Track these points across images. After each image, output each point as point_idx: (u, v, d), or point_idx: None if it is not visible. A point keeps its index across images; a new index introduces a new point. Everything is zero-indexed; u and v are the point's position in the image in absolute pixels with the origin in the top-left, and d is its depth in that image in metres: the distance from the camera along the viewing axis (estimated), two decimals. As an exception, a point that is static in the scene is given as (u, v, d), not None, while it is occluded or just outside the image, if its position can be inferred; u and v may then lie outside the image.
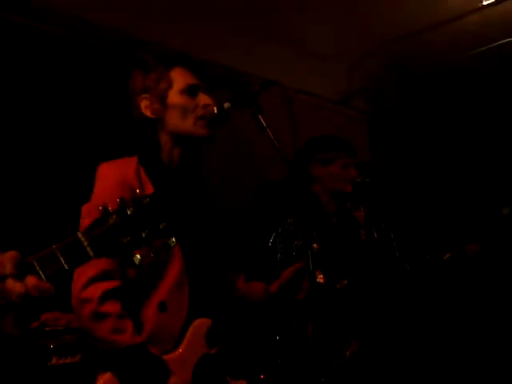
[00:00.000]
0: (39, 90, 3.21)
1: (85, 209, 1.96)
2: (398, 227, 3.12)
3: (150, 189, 2.01)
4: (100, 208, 1.34)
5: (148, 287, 1.96)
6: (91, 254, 1.32)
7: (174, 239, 1.39)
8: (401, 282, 2.78)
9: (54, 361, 2.55)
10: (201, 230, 2.13)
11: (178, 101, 2.10)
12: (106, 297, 1.86)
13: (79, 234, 1.32)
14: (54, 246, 1.32)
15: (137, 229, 1.34)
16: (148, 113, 2.12)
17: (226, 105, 2.01)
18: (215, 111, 2.04)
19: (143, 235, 1.35)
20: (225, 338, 2.08)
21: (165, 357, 1.92)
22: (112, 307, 1.86)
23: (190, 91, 2.11)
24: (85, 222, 1.92)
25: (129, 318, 1.89)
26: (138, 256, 1.37)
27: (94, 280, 1.87)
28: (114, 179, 2.00)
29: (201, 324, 2.03)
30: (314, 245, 2.80)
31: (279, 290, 2.27)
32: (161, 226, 1.37)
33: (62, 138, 3.26)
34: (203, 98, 2.11)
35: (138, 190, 1.45)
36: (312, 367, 2.44)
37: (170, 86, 2.12)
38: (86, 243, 1.32)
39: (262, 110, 1.87)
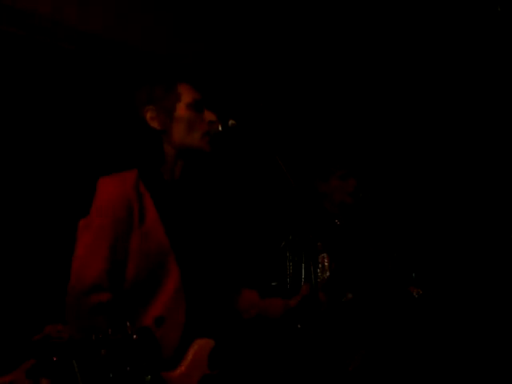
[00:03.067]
0: (39, 98, 3.21)
1: (82, 223, 1.98)
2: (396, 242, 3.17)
3: (149, 203, 2.03)
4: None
5: (144, 302, 1.97)
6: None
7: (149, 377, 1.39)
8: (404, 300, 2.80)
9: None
10: (200, 244, 2.14)
11: (185, 114, 2.13)
12: (94, 312, 1.87)
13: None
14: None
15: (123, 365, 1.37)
16: (154, 124, 2.13)
17: (231, 122, 2.03)
18: (220, 128, 2.08)
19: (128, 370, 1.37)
20: (227, 360, 2.07)
21: (166, 374, 1.89)
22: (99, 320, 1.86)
23: (197, 106, 2.14)
24: (82, 238, 1.96)
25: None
26: None
27: (87, 293, 1.89)
28: (112, 195, 2.01)
29: (204, 344, 2.01)
30: (326, 259, 2.84)
31: (298, 305, 2.28)
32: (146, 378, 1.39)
33: (60, 149, 3.26)
34: (209, 115, 2.15)
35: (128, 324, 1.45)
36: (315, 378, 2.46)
37: (177, 99, 2.14)
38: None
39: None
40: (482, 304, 3.75)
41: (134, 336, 1.41)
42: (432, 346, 3.69)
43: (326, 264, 2.85)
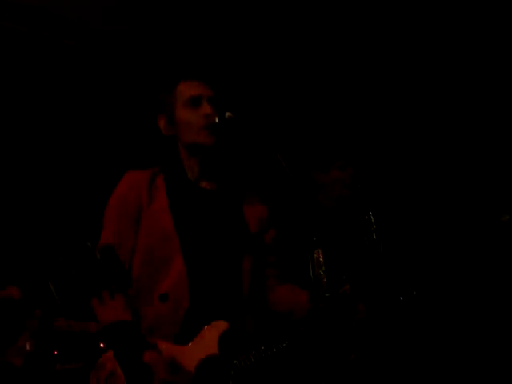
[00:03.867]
0: (60, 97, 3.30)
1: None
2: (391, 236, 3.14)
3: (162, 192, 2.14)
4: None
5: (149, 282, 2.06)
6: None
7: None
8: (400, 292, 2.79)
9: (58, 365, 2.59)
10: (206, 234, 2.18)
11: (182, 115, 2.19)
12: None
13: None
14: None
15: None
16: (166, 132, 2.25)
17: (228, 114, 2.03)
18: (216, 120, 2.08)
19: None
20: (237, 344, 2.10)
21: (174, 346, 1.96)
22: None
23: (193, 103, 2.18)
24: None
25: (121, 295, 1.96)
26: None
27: None
28: (125, 186, 2.16)
29: (217, 325, 2.06)
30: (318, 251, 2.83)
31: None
32: None
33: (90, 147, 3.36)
34: (204, 108, 2.17)
35: None
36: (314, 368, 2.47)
37: (174, 102, 2.21)
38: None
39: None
40: (479, 301, 3.77)
41: (98, 255, 1.59)
42: (428, 338, 3.72)
43: (320, 259, 2.84)
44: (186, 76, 2.23)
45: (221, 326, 2.08)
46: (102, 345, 2.13)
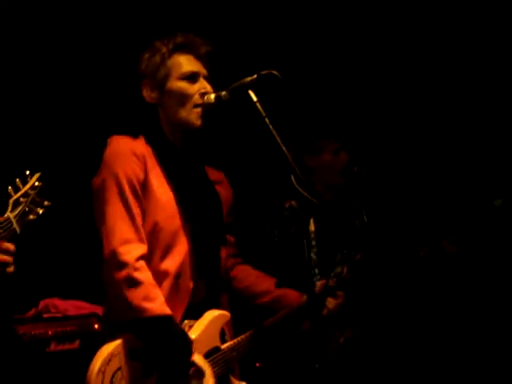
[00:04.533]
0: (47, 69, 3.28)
1: (96, 181, 1.99)
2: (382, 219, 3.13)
3: (157, 172, 2.03)
4: None
5: (156, 261, 1.97)
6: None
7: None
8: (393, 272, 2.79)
9: (52, 347, 2.58)
10: (207, 210, 2.16)
11: (176, 87, 2.10)
12: (140, 262, 1.86)
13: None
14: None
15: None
16: (148, 98, 2.13)
17: (224, 93, 2.01)
18: (213, 99, 2.05)
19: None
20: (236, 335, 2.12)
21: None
22: (145, 274, 1.86)
23: (190, 78, 2.10)
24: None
25: (158, 287, 1.89)
26: None
27: (129, 241, 1.88)
28: (127, 148, 2.01)
29: (220, 317, 2.07)
30: (310, 231, 2.83)
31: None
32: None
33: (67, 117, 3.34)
34: (202, 85, 2.10)
35: None
36: (306, 354, 2.47)
37: (170, 71, 2.11)
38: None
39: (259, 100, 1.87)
40: (475, 289, 3.80)
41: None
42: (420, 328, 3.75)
43: (313, 243, 2.84)
44: (186, 49, 2.14)
45: (223, 317, 2.08)
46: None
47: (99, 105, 3.41)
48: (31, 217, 1.71)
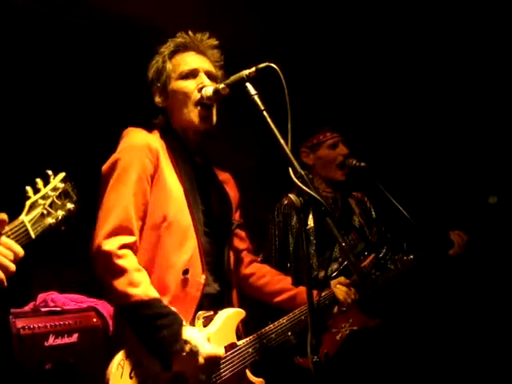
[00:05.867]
0: (64, 71, 3.30)
1: (103, 171, 2.00)
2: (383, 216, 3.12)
3: (169, 166, 2.06)
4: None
5: (166, 255, 1.99)
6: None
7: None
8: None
9: (50, 341, 2.58)
10: (216, 206, 2.18)
11: (176, 87, 2.13)
12: (123, 250, 1.88)
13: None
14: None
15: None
16: (157, 103, 2.18)
17: (222, 86, 2.00)
18: (211, 92, 2.04)
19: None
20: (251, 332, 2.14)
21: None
22: (129, 261, 1.88)
23: (189, 75, 2.12)
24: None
25: (146, 273, 1.90)
26: None
27: (112, 233, 1.89)
28: (142, 141, 2.03)
29: (236, 314, 2.11)
30: (309, 227, 2.82)
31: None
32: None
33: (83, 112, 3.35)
34: (199, 80, 2.11)
35: None
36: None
37: (170, 73, 2.14)
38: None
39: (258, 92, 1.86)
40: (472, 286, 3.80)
41: None
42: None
43: (311, 238, 2.83)
44: (186, 47, 2.16)
45: (239, 315, 2.12)
46: None
47: (117, 102, 3.44)
48: (50, 221, 1.52)
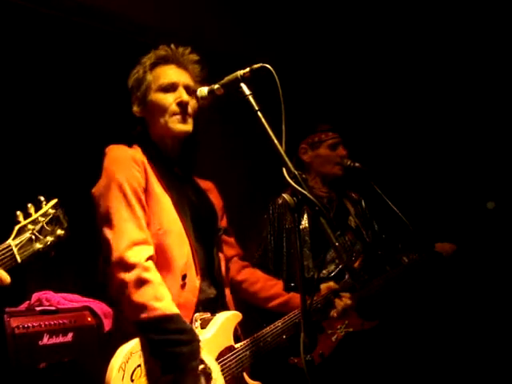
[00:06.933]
0: (44, 78, 3.27)
1: (95, 193, 2.01)
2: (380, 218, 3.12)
3: (155, 179, 2.07)
4: None
5: (164, 264, 2.01)
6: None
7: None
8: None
9: (45, 340, 2.58)
10: (202, 214, 2.21)
11: (154, 99, 2.15)
12: (149, 263, 1.89)
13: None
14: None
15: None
16: (135, 113, 2.19)
17: (217, 87, 2.00)
18: (206, 93, 2.02)
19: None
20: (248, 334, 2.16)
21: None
22: (154, 274, 1.89)
23: (167, 89, 2.14)
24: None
25: (166, 287, 1.91)
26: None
27: (134, 244, 1.90)
28: (127, 155, 2.05)
29: (233, 317, 2.13)
30: (303, 227, 2.82)
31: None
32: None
33: (61, 128, 3.32)
34: (178, 94, 2.14)
35: None
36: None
37: (150, 84, 2.15)
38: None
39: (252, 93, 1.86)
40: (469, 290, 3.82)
41: None
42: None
43: (307, 238, 2.84)
44: (167, 60, 2.18)
45: (235, 317, 2.14)
46: None
47: (92, 117, 3.42)
48: (37, 246, 1.53)
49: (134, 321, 1.88)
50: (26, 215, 1.55)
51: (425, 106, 4.18)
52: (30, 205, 1.56)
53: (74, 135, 3.33)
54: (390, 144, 4.21)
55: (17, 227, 1.52)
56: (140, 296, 1.84)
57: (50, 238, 1.57)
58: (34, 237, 1.53)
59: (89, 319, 2.73)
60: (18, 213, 1.54)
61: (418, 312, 3.85)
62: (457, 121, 4.03)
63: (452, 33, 3.92)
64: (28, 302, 2.73)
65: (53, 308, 2.70)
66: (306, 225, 2.84)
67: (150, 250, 1.94)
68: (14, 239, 1.50)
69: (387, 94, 4.27)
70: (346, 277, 2.54)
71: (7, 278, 1.47)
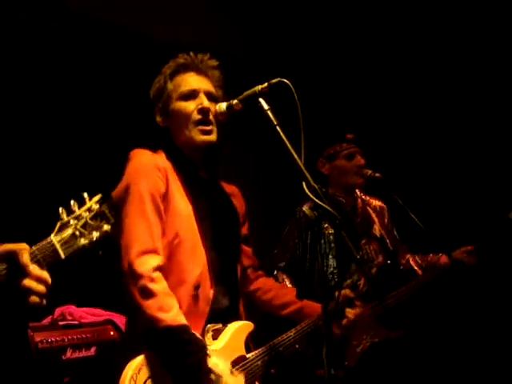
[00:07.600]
0: (69, 87, 3.39)
1: (114, 196, 2.00)
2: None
3: (177, 185, 2.07)
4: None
5: (178, 272, 2.01)
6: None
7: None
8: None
9: (68, 354, 2.59)
10: (223, 222, 2.19)
11: (176, 108, 2.14)
12: (156, 273, 1.89)
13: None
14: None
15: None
16: (158, 122, 2.20)
17: (235, 102, 2.01)
18: (224, 108, 2.03)
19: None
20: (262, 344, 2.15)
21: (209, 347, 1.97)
22: (160, 285, 1.89)
23: (188, 96, 2.13)
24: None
25: (174, 297, 1.91)
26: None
27: (143, 252, 1.91)
28: (150, 161, 2.05)
29: (244, 327, 2.13)
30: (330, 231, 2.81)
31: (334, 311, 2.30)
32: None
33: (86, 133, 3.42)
34: (199, 101, 2.12)
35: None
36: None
37: (171, 93, 2.15)
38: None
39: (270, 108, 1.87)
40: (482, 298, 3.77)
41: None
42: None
43: (332, 245, 2.82)
44: (187, 67, 2.17)
45: (247, 327, 2.14)
46: None
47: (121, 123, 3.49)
48: (82, 241, 1.45)
49: (142, 330, 1.90)
50: (69, 212, 1.48)
51: (445, 113, 4.15)
52: (73, 202, 1.48)
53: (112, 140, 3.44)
54: (411, 153, 4.18)
55: (59, 223, 1.45)
56: (147, 307, 1.85)
57: (95, 234, 1.48)
58: (77, 232, 1.46)
59: (111, 333, 2.74)
60: (61, 209, 1.46)
61: (440, 321, 3.81)
62: (481, 131, 3.99)
63: (469, 51, 3.91)
64: (51, 316, 2.75)
65: (76, 322, 2.72)
66: (331, 231, 2.82)
67: (158, 260, 1.93)
68: (55, 235, 1.43)
69: (401, 100, 4.25)
70: (361, 286, 2.51)
71: (49, 280, 1.39)
